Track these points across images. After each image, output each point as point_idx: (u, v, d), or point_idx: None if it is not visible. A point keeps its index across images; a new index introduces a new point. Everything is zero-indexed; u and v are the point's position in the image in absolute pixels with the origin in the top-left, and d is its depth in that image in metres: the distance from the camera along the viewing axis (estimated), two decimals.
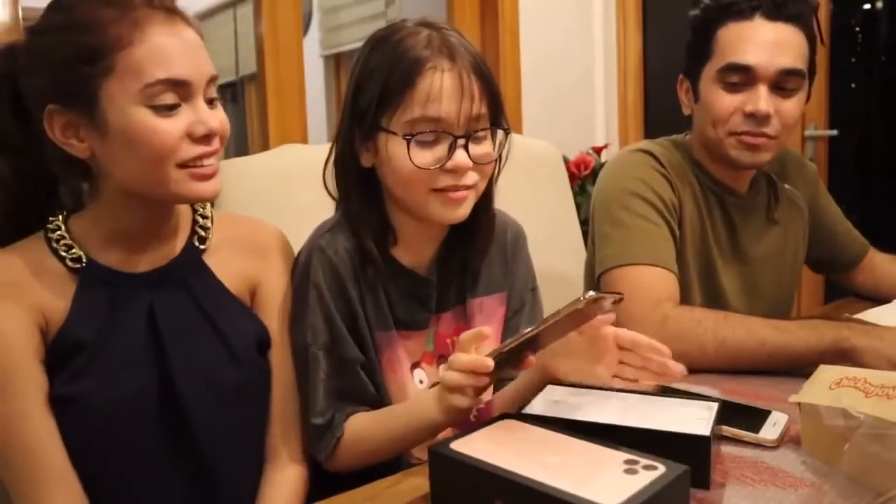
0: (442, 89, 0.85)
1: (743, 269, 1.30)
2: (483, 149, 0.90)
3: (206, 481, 0.88)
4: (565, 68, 2.66)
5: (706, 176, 1.28)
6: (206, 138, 0.81)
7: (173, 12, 0.81)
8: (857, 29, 2.40)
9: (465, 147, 0.87)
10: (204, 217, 0.95)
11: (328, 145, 0.99)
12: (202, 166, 0.82)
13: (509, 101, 2.44)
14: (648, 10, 2.74)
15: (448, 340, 1.00)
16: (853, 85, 2.41)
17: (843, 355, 0.97)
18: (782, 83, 1.17)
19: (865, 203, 2.47)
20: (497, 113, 0.92)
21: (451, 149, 0.87)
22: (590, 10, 2.73)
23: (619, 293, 0.79)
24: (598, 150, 2.67)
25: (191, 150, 0.80)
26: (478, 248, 1.00)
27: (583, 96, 2.74)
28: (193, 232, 0.93)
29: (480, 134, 0.90)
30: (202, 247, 0.92)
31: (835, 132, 2.31)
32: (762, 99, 1.15)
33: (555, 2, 2.61)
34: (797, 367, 1.00)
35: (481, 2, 2.46)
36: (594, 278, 1.22)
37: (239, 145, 4.83)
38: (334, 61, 4.07)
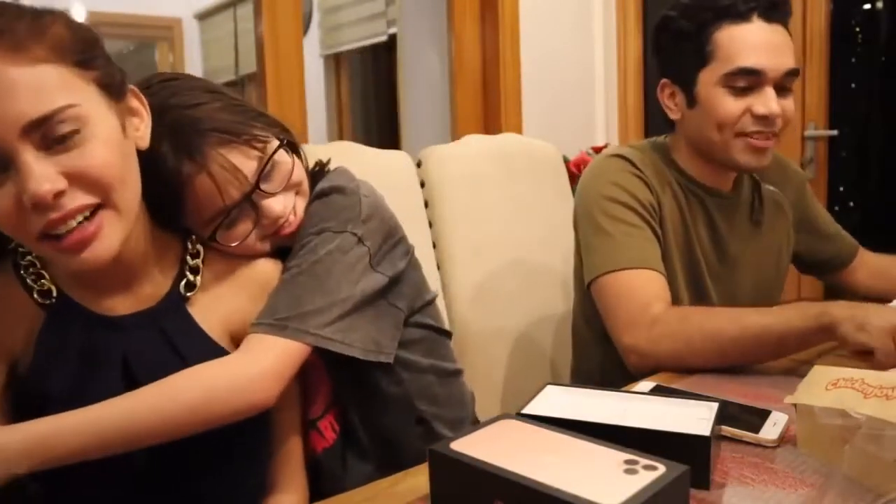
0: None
1: (722, 270, 1.30)
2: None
3: None
4: (565, 68, 2.65)
5: (685, 177, 1.28)
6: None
7: None
8: (857, 29, 2.40)
9: None
10: (194, 256, 0.87)
11: (328, 145, 0.99)
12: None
13: (509, 101, 2.44)
14: (648, 11, 2.73)
15: None
16: (853, 85, 2.40)
17: (826, 331, 0.97)
18: (785, 83, 1.18)
19: (865, 203, 2.47)
20: None
21: None
22: (590, 10, 2.72)
23: None
24: (598, 150, 2.66)
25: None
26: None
27: (583, 96, 2.74)
28: (181, 274, 0.86)
29: None
30: (188, 294, 0.85)
31: (835, 132, 2.31)
32: (773, 100, 1.16)
33: (555, 2, 2.60)
34: (786, 352, 1.01)
35: (481, 2, 2.46)
36: (584, 288, 1.22)
37: None
38: (334, 61, 4.06)
